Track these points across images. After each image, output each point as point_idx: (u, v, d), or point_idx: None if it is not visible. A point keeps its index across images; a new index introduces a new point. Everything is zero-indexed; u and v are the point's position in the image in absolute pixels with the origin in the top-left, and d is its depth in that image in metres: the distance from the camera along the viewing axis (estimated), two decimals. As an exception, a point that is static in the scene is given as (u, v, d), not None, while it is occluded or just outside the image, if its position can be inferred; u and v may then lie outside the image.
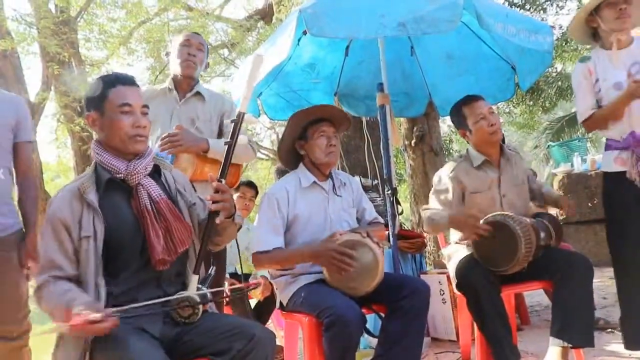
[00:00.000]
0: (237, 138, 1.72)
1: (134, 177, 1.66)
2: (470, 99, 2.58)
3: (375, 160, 4.38)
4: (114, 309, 1.42)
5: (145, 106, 1.71)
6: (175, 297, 1.61)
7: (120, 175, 1.66)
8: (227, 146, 1.72)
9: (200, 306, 1.64)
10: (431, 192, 2.64)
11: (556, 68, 12.33)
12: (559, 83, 11.63)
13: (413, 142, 5.85)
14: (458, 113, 2.60)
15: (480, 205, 2.50)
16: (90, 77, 9.15)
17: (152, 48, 9.82)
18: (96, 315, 1.35)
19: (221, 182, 1.67)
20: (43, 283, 1.56)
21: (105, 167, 1.67)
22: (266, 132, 14.00)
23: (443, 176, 2.60)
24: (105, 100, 1.66)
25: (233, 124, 1.73)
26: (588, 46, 2.95)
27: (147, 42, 9.90)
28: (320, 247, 2.15)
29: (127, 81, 1.70)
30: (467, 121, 2.55)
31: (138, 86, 1.74)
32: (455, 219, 2.41)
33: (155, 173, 1.78)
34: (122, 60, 10.07)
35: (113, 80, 1.69)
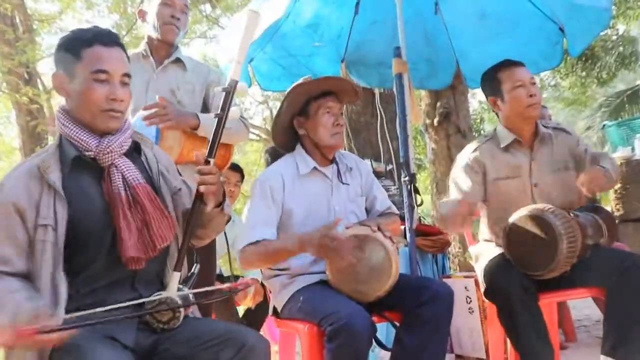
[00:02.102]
0: (228, 110, 1.77)
1: (106, 156, 1.69)
2: (509, 63, 2.61)
3: (389, 141, 4.45)
4: (74, 314, 1.46)
5: (127, 75, 1.72)
6: (151, 298, 1.66)
7: (90, 152, 1.68)
8: (217, 119, 1.77)
9: (182, 310, 1.69)
10: (450, 179, 2.71)
11: (617, 30, 12.31)
12: (621, 49, 11.59)
13: (436, 120, 5.86)
14: (491, 77, 2.63)
15: (508, 196, 2.56)
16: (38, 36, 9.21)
17: (117, 1, 9.85)
18: (48, 324, 1.37)
19: (209, 162, 1.72)
20: None
21: (73, 141, 1.69)
22: (257, 107, 14.04)
23: (462, 159, 2.66)
24: (78, 61, 1.66)
25: (224, 93, 1.78)
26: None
27: (110, -7, 9.96)
28: (313, 234, 2.17)
29: (109, 40, 1.70)
30: (502, 87, 2.58)
31: (122, 47, 1.74)
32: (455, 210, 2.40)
33: (135, 151, 1.81)
34: (79, 16, 10.14)
35: (90, 38, 1.68)
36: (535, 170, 2.59)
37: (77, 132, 1.68)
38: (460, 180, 2.64)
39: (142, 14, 2.72)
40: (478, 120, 13.55)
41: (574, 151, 2.65)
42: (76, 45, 1.68)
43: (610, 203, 5.37)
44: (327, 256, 2.16)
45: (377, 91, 4.92)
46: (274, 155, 3.98)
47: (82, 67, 1.66)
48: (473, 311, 3.28)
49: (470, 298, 3.28)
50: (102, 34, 1.71)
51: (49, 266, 1.59)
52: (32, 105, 8.18)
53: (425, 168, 10.70)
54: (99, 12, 10.38)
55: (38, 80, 9.04)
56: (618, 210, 5.18)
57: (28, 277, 1.60)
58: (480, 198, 2.62)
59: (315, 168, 2.41)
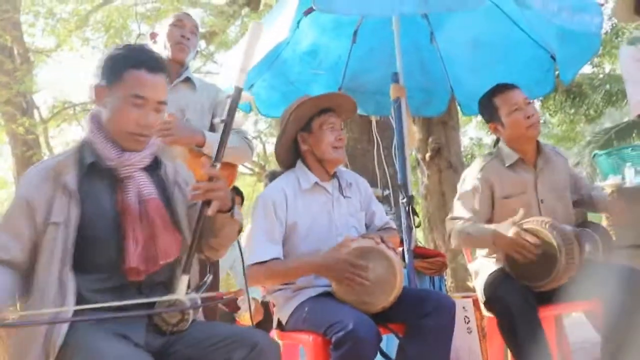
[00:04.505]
0: (233, 116, 1.83)
1: (126, 168, 1.76)
2: (502, 88, 2.70)
3: (386, 167, 4.51)
4: (85, 306, 1.54)
5: (163, 102, 1.79)
6: (161, 298, 1.70)
7: (111, 162, 1.75)
8: (223, 124, 1.82)
9: (191, 312, 1.74)
10: (456, 197, 2.75)
11: (604, 68, 12.56)
12: (607, 86, 11.74)
13: (428, 155, 5.93)
14: (488, 104, 2.72)
15: (514, 212, 2.60)
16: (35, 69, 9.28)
17: (112, 36, 9.98)
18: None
19: (215, 166, 1.78)
20: None
21: (95, 148, 1.76)
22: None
23: (469, 177, 2.72)
24: (121, 79, 1.74)
25: (229, 99, 1.84)
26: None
27: (106, 29, 10.07)
28: (329, 258, 2.25)
29: (155, 67, 1.77)
30: (499, 112, 2.67)
31: (165, 74, 1.81)
32: (501, 237, 2.42)
33: (154, 163, 1.87)
34: (75, 52, 10.25)
35: (139, 62, 1.75)
36: (541, 187, 2.67)
37: (102, 141, 1.76)
38: (469, 200, 2.66)
39: (154, 36, 2.84)
40: (469, 156, 13.68)
41: (568, 172, 2.80)
42: (125, 63, 1.75)
43: (602, 230, 5.43)
44: (344, 281, 2.20)
45: (373, 119, 5.01)
46: (273, 179, 4.05)
47: (124, 86, 1.74)
48: (471, 331, 3.30)
49: (468, 318, 3.31)
50: (151, 59, 1.78)
51: (58, 262, 1.65)
52: (28, 136, 8.20)
53: (417, 203, 10.75)
54: (94, 47, 10.50)
55: (35, 111, 9.10)
56: (610, 225, 5.23)
57: (23, 270, 1.68)
58: (488, 217, 2.67)
59: (316, 183, 2.47)
